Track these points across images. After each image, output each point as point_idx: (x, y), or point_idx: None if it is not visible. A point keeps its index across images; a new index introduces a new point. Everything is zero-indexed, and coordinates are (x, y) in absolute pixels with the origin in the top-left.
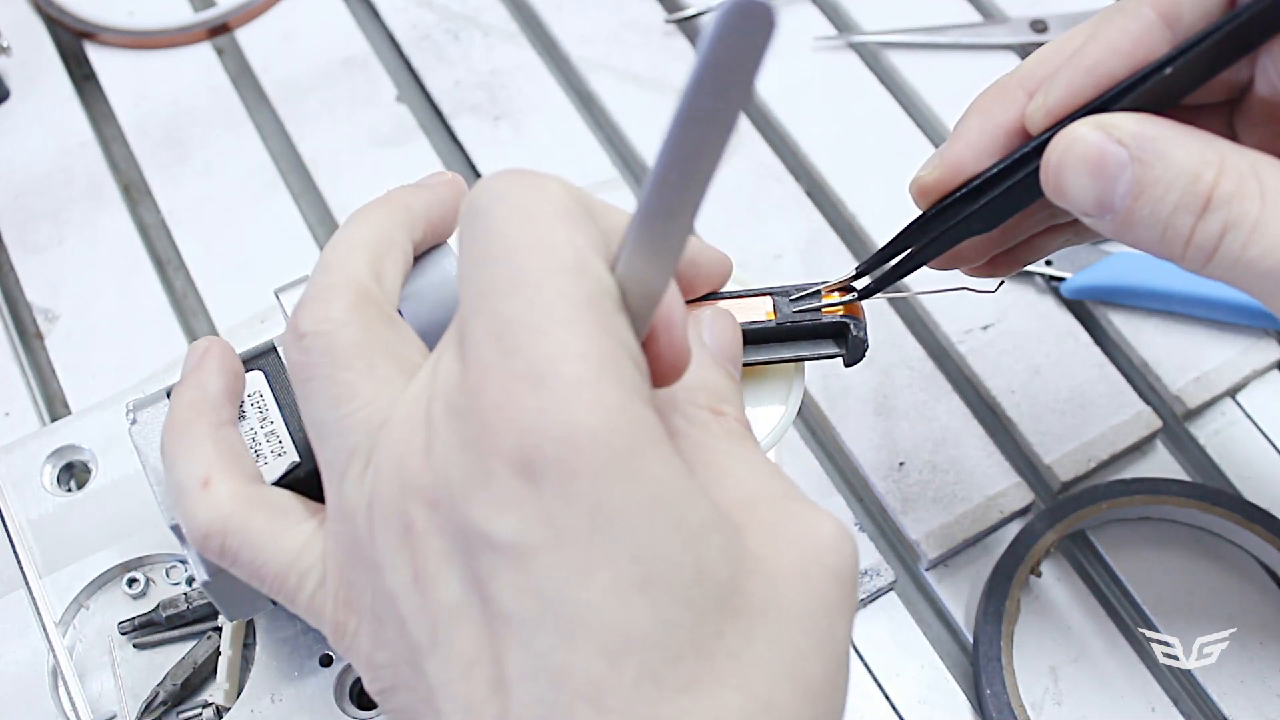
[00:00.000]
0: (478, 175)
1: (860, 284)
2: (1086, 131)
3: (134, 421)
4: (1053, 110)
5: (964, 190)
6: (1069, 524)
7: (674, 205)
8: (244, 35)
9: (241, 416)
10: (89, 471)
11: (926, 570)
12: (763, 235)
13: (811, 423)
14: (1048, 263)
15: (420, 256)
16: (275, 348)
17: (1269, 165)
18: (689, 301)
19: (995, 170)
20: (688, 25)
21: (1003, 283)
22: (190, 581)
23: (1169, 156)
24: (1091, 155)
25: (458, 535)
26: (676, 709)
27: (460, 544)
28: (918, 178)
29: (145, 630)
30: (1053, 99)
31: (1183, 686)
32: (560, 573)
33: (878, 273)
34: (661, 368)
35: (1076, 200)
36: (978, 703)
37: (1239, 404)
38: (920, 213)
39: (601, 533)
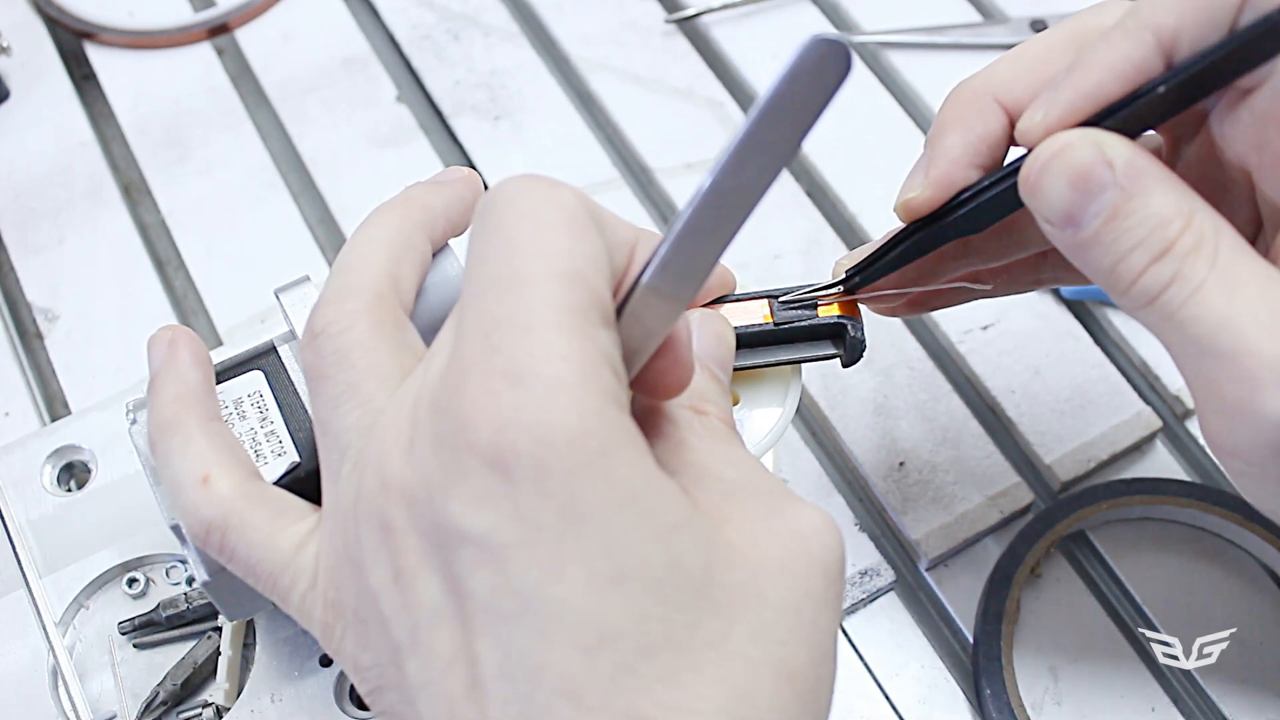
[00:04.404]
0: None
1: (842, 296)
2: (1079, 142)
3: (134, 421)
4: (1051, 129)
5: (949, 202)
6: (1069, 524)
7: (713, 230)
8: (244, 35)
9: (241, 416)
10: (89, 471)
11: (926, 570)
12: (763, 235)
13: (811, 423)
14: None
15: None
16: (275, 348)
17: (1229, 235)
18: None
19: (983, 184)
20: (688, 25)
21: (998, 283)
22: (190, 581)
23: (1150, 194)
24: (1079, 167)
25: (435, 533)
26: (654, 701)
27: (438, 541)
28: (906, 200)
29: (145, 630)
30: (1053, 118)
31: (1183, 686)
32: (534, 569)
33: (868, 273)
34: (665, 381)
35: (1048, 204)
36: (978, 703)
37: None
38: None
39: (574, 529)
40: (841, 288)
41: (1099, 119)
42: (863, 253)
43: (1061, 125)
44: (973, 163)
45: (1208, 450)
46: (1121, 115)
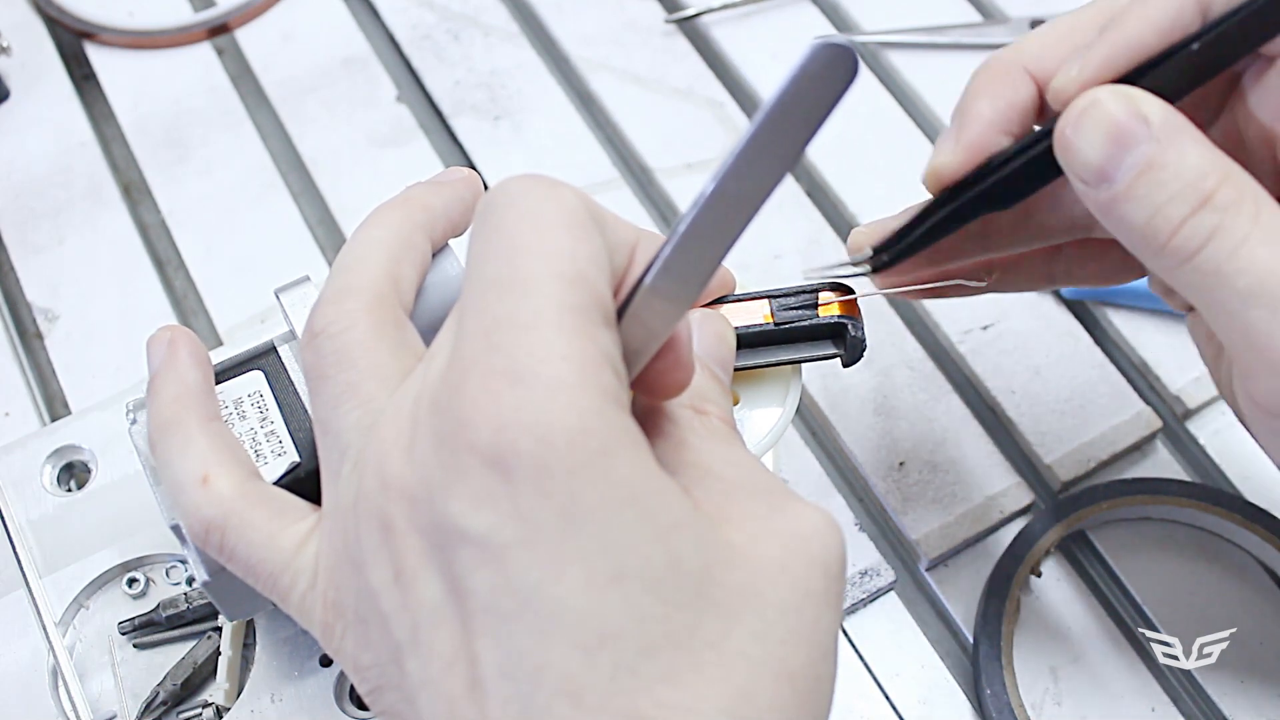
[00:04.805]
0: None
1: (868, 274)
2: (1111, 98)
3: (134, 421)
4: (1087, 83)
5: (980, 170)
6: (1069, 524)
7: (717, 233)
8: (244, 35)
9: (241, 416)
10: (89, 471)
11: (926, 570)
12: (763, 235)
13: (811, 423)
14: None
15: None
16: (275, 348)
17: (1266, 194)
18: None
19: (1013, 150)
20: (688, 25)
21: (996, 277)
22: (190, 581)
23: (1185, 147)
24: (1113, 120)
25: (435, 532)
26: (654, 701)
27: (438, 541)
28: (936, 166)
29: (145, 630)
30: (1089, 71)
31: (1183, 686)
32: (534, 569)
33: (896, 249)
34: (666, 381)
35: (1081, 161)
36: (978, 703)
37: None
38: (932, 197)
39: (574, 529)
40: (869, 266)
41: (1133, 78)
42: (882, 226)
43: (1096, 81)
44: (1003, 129)
45: (1208, 450)
46: (1155, 75)
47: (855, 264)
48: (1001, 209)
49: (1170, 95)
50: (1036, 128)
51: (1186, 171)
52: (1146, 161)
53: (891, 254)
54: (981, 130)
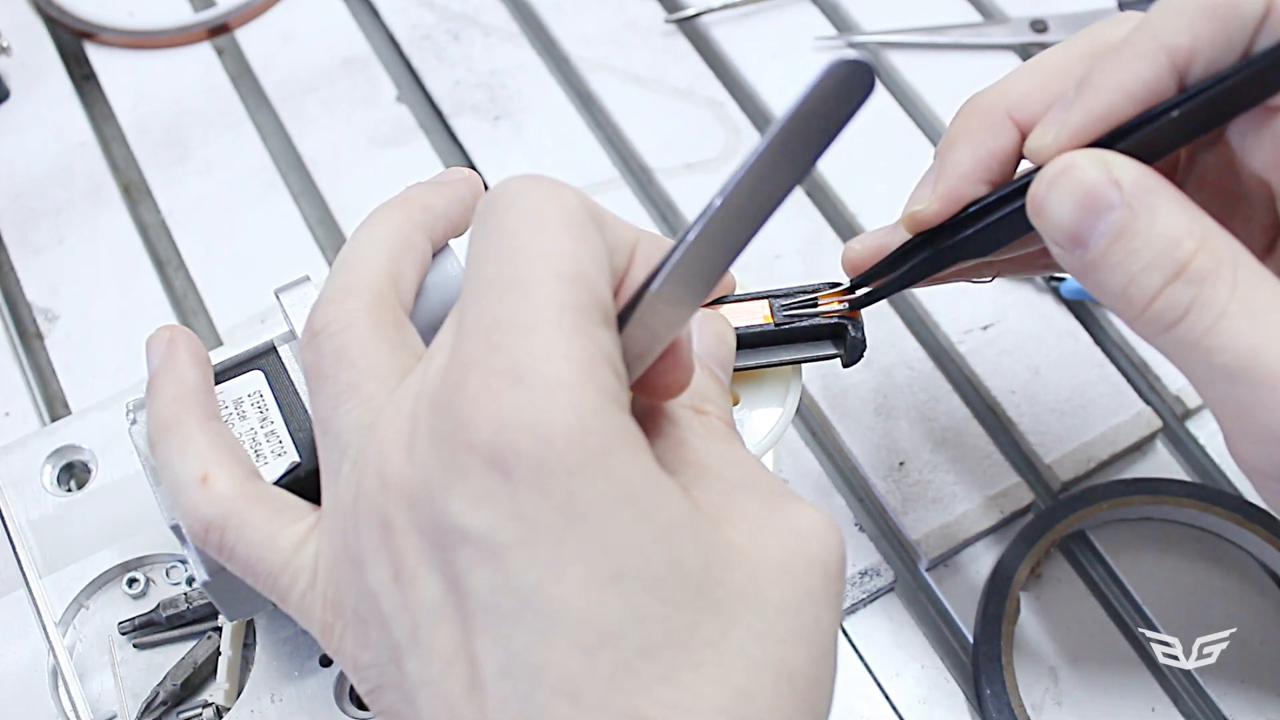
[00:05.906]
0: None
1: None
2: (1085, 162)
3: (134, 421)
4: (1063, 148)
5: (959, 216)
6: (1069, 524)
7: (725, 242)
8: (244, 35)
9: (241, 416)
10: (89, 471)
11: (926, 570)
12: (763, 235)
13: (811, 423)
14: None
15: None
16: (275, 348)
17: (1246, 258)
18: None
19: (991, 199)
20: (688, 25)
21: (999, 274)
22: (190, 581)
23: (1158, 213)
24: (1084, 187)
25: (434, 531)
26: (653, 700)
27: (437, 540)
28: (913, 213)
29: (145, 630)
30: (1064, 138)
31: (1183, 686)
32: (533, 569)
33: (870, 288)
34: (666, 382)
35: (1054, 226)
36: (978, 703)
37: None
38: (910, 237)
39: (573, 529)
40: (850, 291)
41: (1111, 140)
42: (876, 239)
43: (1073, 145)
44: (982, 178)
45: (1208, 450)
46: (1135, 139)
47: (834, 287)
48: (978, 258)
49: (1151, 155)
50: (1024, 164)
51: (1158, 240)
52: (1119, 229)
53: (871, 292)
54: (959, 181)
